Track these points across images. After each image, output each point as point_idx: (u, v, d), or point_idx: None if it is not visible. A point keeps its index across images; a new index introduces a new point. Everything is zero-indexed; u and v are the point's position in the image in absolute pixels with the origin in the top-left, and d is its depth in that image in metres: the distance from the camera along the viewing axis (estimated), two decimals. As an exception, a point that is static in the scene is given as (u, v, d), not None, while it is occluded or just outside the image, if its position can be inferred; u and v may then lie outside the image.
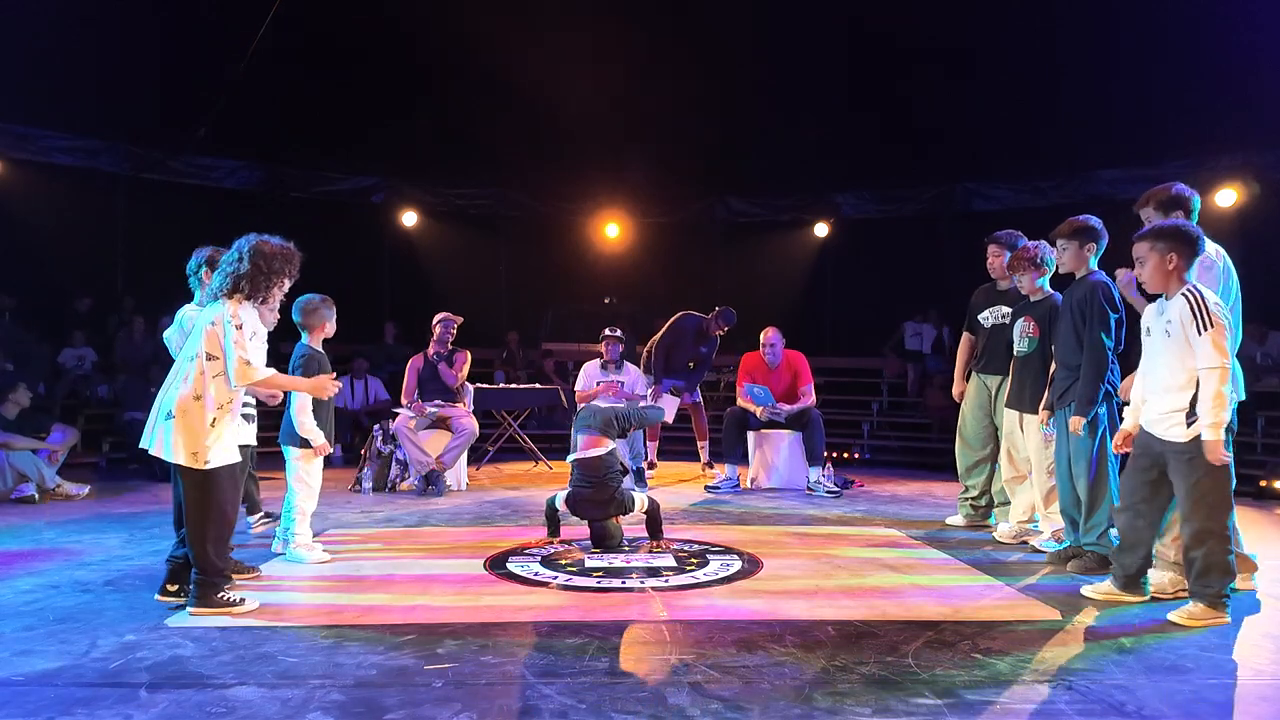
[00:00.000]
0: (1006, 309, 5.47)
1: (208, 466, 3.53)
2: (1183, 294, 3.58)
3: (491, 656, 3.11)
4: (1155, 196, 4.13)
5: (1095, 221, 4.60)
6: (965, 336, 5.96)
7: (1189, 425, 3.55)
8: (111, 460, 8.84)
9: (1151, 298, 3.84)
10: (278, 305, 4.01)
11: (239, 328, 3.57)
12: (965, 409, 5.81)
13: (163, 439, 3.54)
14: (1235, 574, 3.65)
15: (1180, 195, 4.09)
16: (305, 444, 4.62)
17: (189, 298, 4.57)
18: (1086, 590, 3.99)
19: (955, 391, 5.98)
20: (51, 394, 9.37)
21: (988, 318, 5.64)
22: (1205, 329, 3.48)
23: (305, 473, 4.68)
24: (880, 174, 12.63)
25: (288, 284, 3.82)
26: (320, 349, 4.85)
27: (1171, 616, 3.58)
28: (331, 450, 4.73)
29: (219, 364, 3.56)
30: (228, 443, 3.62)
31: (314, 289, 5.40)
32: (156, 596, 3.80)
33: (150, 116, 10.87)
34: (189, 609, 3.59)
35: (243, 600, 3.64)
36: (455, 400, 7.51)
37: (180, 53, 10.54)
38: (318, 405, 4.67)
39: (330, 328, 4.90)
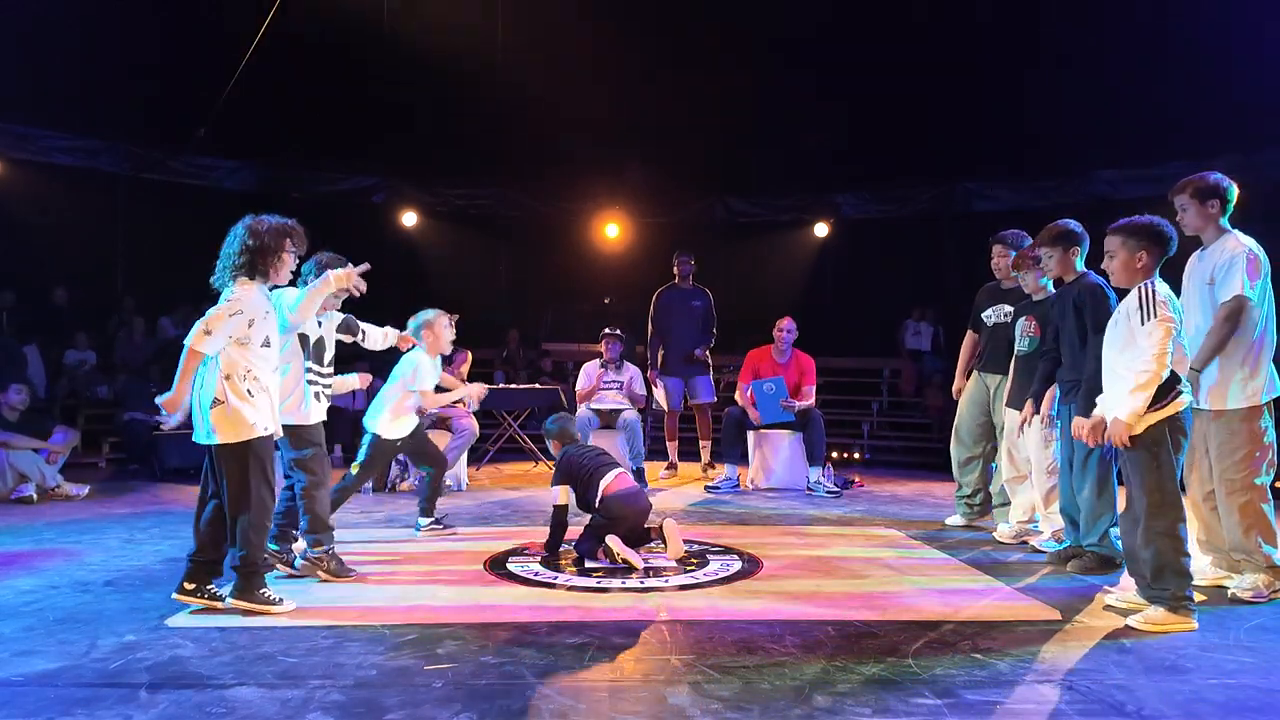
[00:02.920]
0: (1008, 307, 5.48)
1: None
2: (1139, 286, 3.49)
3: (491, 656, 3.11)
4: (1193, 184, 4.05)
5: (1074, 224, 4.64)
6: (969, 335, 5.96)
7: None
8: (111, 460, 8.83)
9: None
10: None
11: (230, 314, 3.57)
12: (961, 406, 5.81)
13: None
14: (1191, 577, 3.49)
15: (1218, 185, 4.02)
16: None
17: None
18: (1134, 621, 3.51)
19: (955, 389, 5.97)
20: (52, 394, 9.36)
21: (990, 316, 5.64)
22: (1148, 318, 3.38)
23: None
24: (880, 174, 12.62)
25: (289, 258, 3.78)
26: None
27: (1131, 622, 3.47)
28: None
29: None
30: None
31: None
32: (174, 595, 3.65)
33: (150, 116, 10.86)
34: (229, 599, 3.57)
35: (281, 600, 3.63)
36: (455, 400, 7.49)
37: (180, 53, 10.54)
38: None
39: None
